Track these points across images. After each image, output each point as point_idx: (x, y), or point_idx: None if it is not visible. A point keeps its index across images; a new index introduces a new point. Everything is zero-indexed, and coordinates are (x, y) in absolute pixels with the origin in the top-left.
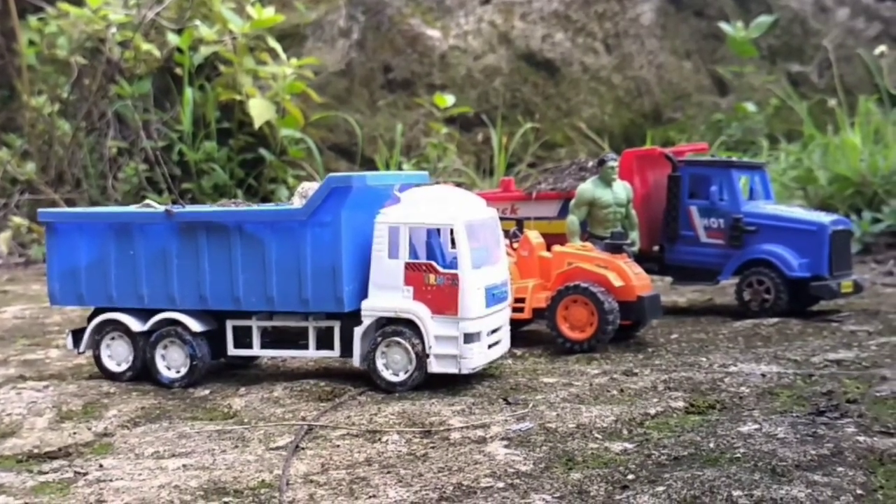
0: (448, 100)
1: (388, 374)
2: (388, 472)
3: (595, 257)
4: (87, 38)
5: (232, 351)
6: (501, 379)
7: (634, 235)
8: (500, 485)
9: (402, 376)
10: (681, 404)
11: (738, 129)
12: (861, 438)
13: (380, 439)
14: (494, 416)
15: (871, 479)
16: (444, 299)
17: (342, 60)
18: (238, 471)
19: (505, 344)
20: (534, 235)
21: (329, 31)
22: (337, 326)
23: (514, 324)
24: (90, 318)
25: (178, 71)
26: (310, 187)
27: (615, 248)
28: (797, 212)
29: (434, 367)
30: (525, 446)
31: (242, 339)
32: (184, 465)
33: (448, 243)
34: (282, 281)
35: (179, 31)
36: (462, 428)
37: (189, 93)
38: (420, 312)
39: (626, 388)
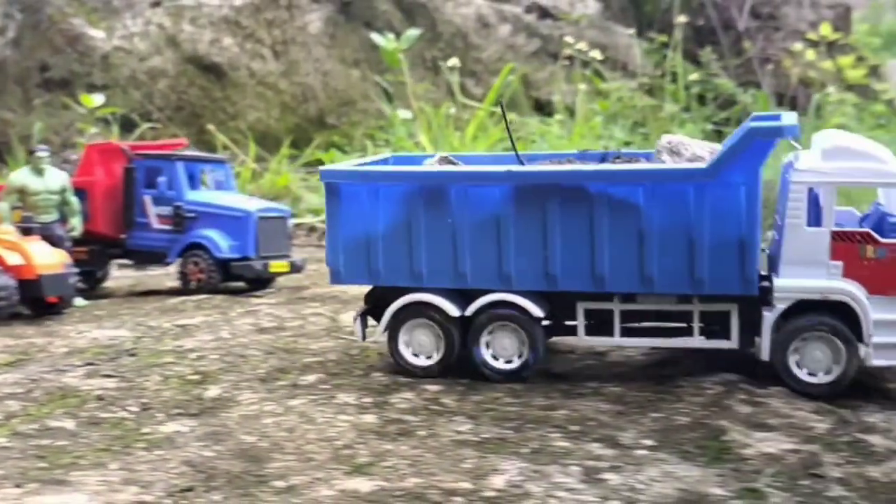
0: (95, 100)
1: (803, 374)
2: None
3: (4, 239)
4: None
5: (583, 339)
6: None
7: (75, 221)
8: None
9: (824, 376)
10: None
11: (393, 134)
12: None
13: None
14: None
15: None
16: (886, 276)
17: None
18: None
19: None
20: None
21: None
22: (734, 310)
23: None
24: (369, 298)
25: None
26: (679, 141)
27: (25, 231)
28: (232, 200)
29: (873, 359)
30: None
31: (596, 323)
32: None
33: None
34: (666, 257)
35: None
36: None
37: None
38: (854, 292)
39: None
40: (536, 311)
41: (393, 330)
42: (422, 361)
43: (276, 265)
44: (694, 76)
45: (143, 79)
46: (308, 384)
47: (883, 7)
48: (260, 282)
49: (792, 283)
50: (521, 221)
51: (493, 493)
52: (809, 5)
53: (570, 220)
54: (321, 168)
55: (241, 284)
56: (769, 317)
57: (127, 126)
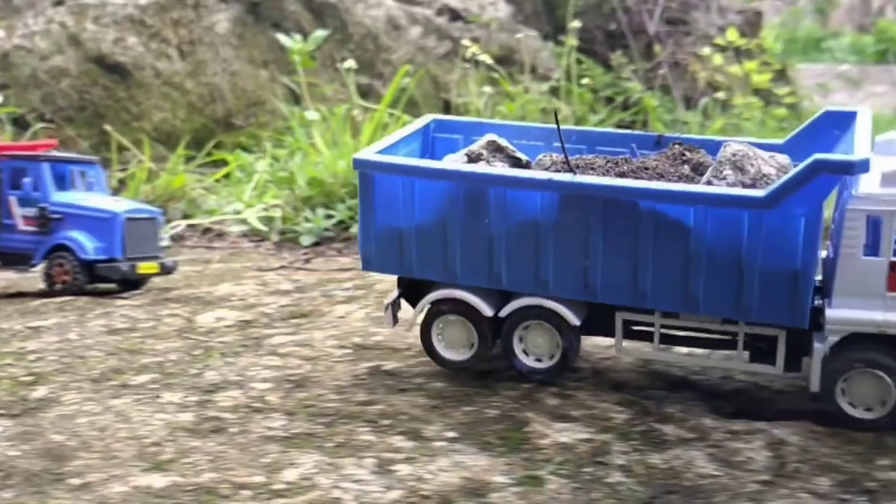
0: None
1: (855, 411)
2: None
3: None
4: None
5: (622, 349)
6: None
7: None
8: None
9: (875, 411)
10: None
11: (300, 135)
12: None
13: None
14: None
15: None
16: None
17: None
18: None
19: None
20: None
21: None
22: (782, 336)
23: None
24: (401, 281)
25: None
26: (744, 154)
27: None
28: (99, 201)
29: None
30: None
31: (632, 334)
32: None
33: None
34: (713, 280)
35: None
36: None
37: None
38: None
39: None
40: (573, 319)
41: (426, 323)
42: (456, 356)
43: (145, 266)
44: (586, 80)
45: (45, 78)
46: (138, 384)
47: (801, 12)
48: (129, 283)
49: (845, 314)
50: (563, 229)
51: (282, 486)
52: (717, 11)
53: (615, 233)
54: (354, 156)
55: (111, 286)
56: (820, 349)
57: (23, 126)
